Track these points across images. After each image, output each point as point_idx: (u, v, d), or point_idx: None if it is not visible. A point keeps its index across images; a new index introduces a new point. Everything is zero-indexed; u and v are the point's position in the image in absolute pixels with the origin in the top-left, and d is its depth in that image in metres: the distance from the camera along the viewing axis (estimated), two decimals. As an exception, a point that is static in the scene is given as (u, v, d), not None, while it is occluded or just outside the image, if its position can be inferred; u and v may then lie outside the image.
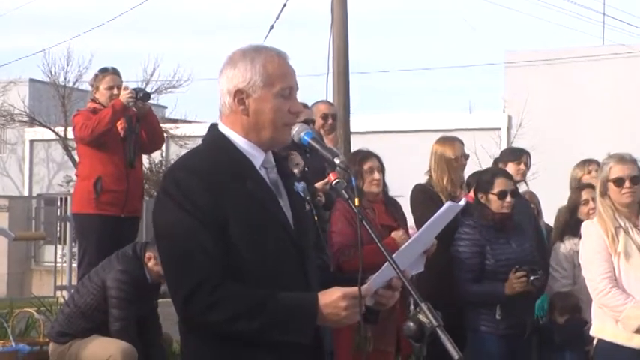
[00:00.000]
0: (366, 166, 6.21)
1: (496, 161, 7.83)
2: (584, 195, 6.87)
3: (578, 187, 7.16)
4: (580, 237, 6.50)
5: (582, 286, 6.47)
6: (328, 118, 7.61)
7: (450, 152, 6.78)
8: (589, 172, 7.45)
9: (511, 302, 6.17)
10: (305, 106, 6.95)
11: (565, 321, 6.53)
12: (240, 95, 3.16)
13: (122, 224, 7.69)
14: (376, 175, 6.22)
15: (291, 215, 3.21)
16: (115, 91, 7.70)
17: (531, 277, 6.15)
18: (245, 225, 3.06)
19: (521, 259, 6.29)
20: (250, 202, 3.09)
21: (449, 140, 6.94)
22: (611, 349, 5.33)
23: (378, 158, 6.32)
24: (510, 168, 7.60)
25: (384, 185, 6.36)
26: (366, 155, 6.30)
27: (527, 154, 7.83)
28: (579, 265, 6.53)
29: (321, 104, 7.91)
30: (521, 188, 7.60)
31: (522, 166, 7.56)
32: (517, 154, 7.79)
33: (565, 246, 6.73)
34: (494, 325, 6.21)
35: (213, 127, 3.24)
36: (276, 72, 3.16)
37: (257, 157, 3.19)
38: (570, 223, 6.82)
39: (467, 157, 6.91)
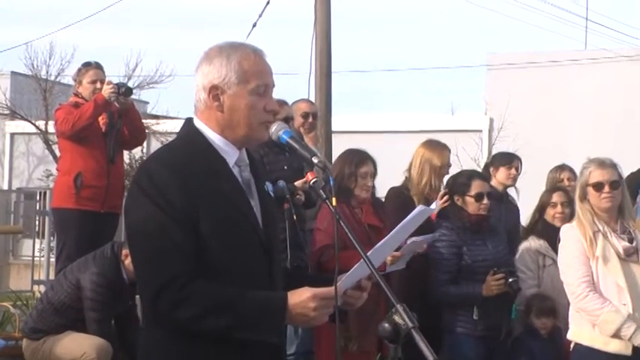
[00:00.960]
0: (362, 170, 6.21)
1: (487, 165, 7.87)
2: (555, 197, 6.92)
3: (549, 189, 7.22)
4: (545, 239, 6.59)
5: (547, 288, 6.54)
6: (308, 117, 7.62)
7: (437, 160, 6.78)
8: (560, 181, 7.52)
9: (488, 304, 6.19)
10: (284, 103, 6.95)
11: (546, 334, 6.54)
12: (215, 91, 3.16)
13: (101, 220, 7.66)
14: (369, 182, 6.24)
15: (261, 216, 3.20)
16: (98, 86, 7.68)
17: (509, 280, 6.18)
18: (215, 223, 3.06)
19: (496, 260, 6.33)
20: (222, 200, 3.09)
21: (439, 147, 6.92)
22: (588, 353, 5.35)
23: (374, 163, 6.32)
24: (502, 172, 7.65)
25: (373, 188, 6.37)
26: (363, 158, 6.28)
27: (519, 159, 7.88)
28: (544, 267, 6.59)
29: (301, 103, 7.92)
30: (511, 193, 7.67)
31: (513, 171, 7.61)
32: (509, 159, 7.81)
33: (530, 246, 6.77)
34: (471, 326, 6.23)
35: (189, 122, 3.24)
36: (251, 69, 3.16)
37: (231, 154, 3.18)
38: (538, 224, 6.87)
39: (449, 166, 6.92)
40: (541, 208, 6.96)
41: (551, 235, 6.27)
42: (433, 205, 3.71)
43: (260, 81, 3.16)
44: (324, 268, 5.94)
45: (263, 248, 3.16)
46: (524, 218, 7.68)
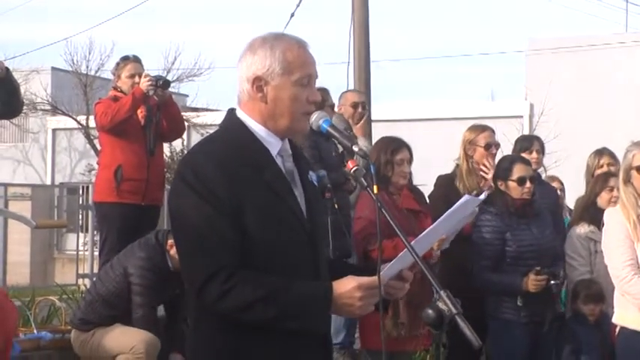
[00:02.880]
0: (397, 157, 6.22)
1: (512, 151, 7.72)
2: (612, 182, 6.80)
3: (604, 174, 7.10)
4: (596, 224, 6.49)
5: (600, 274, 6.45)
6: (358, 107, 7.69)
7: (481, 140, 6.74)
8: (600, 166, 7.37)
9: (531, 293, 6.15)
10: (324, 90, 6.99)
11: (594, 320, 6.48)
12: (258, 82, 3.15)
13: (143, 212, 7.70)
14: (406, 168, 6.24)
15: (305, 205, 3.20)
16: (137, 79, 7.71)
17: (551, 282, 6.14)
18: (259, 213, 3.05)
19: (542, 245, 6.28)
20: (266, 190, 3.09)
21: (480, 128, 6.89)
22: (634, 336, 5.30)
23: (409, 149, 6.33)
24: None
25: (410, 174, 6.37)
26: (398, 145, 6.29)
27: (539, 141, 7.70)
28: (596, 252, 6.51)
29: (349, 93, 8.03)
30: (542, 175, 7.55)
31: (535, 154, 7.33)
32: (529, 143, 7.57)
33: (580, 233, 6.69)
34: (515, 312, 6.20)
35: (231, 113, 3.24)
36: (295, 60, 3.15)
37: (274, 144, 3.18)
38: (589, 210, 6.78)
39: (497, 146, 6.85)
40: (592, 194, 6.88)
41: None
42: (482, 196, 3.68)
43: (304, 72, 3.15)
44: (370, 257, 5.94)
45: (308, 238, 3.16)
46: (570, 201, 7.59)
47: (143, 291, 6.66)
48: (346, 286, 3.02)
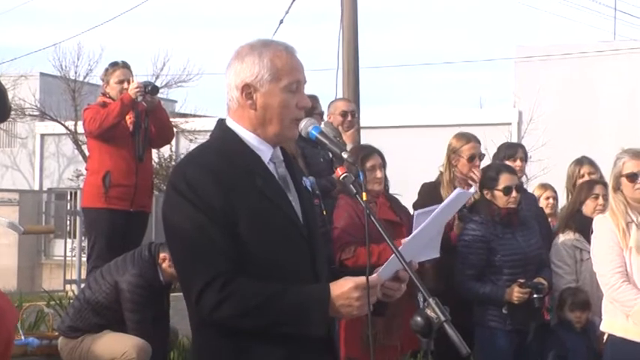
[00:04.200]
0: (368, 164, 6.17)
1: (494, 158, 7.68)
2: (597, 190, 6.81)
3: (589, 181, 7.11)
4: (582, 232, 6.51)
5: (586, 282, 6.47)
6: (347, 115, 7.69)
7: (466, 151, 6.72)
8: (581, 176, 7.37)
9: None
10: (313, 97, 6.99)
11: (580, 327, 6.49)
12: (247, 90, 3.14)
13: (131, 218, 7.69)
14: (378, 174, 6.19)
15: (300, 209, 3.19)
16: (125, 85, 7.70)
17: (534, 296, 6.14)
18: (254, 220, 3.05)
19: (527, 253, 6.29)
20: (259, 197, 3.08)
21: (466, 138, 6.87)
22: (622, 344, 5.31)
23: (380, 155, 6.29)
24: None
25: (386, 180, 6.34)
26: (368, 152, 6.25)
27: (523, 148, 7.69)
28: (582, 261, 6.53)
29: (339, 102, 8.06)
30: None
31: (519, 162, 7.27)
32: (512, 151, 7.48)
33: (565, 241, 6.69)
34: (501, 320, 6.20)
35: (221, 122, 3.23)
36: (284, 66, 3.14)
37: (265, 151, 3.18)
38: (574, 218, 6.79)
39: (482, 157, 6.84)
40: (577, 201, 6.89)
41: (589, 229, 6.20)
42: (472, 189, 3.67)
43: (292, 78, 3.15)
44: (345, 266, 5.91)
45: (305, 242, 3.16)
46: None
47: (136, 307, 6.65)
48: (343, 287, 3.01)
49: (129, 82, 7.71)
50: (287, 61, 3.16)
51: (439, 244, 3.55)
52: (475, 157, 6.73)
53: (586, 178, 7.31)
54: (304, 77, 3.22)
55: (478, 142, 6.86)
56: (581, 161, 7.55)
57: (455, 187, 6.59)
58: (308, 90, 3.33)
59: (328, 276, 3.19)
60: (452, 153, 6.75)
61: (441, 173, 6.80)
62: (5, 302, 2.35)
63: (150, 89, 7.65)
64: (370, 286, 3.00)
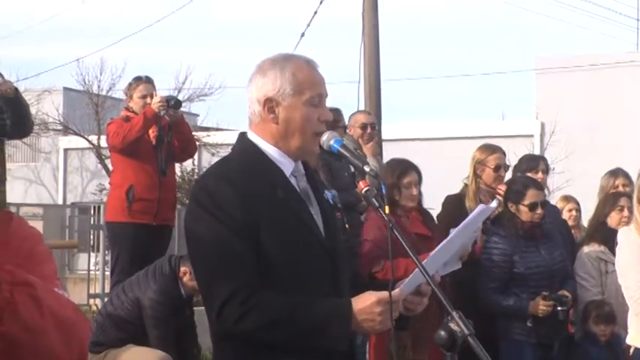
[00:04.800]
0: (405, 180, 6.13)
1: (515, 170, 7.65)
2: (622, 202, 6.78)
3: (613, 194, 7.08)
4: (607, 244, 6.46)
5: (611, 295, 6.42)
6: (367, 128, 7.69)
7: (491, 162, 6.72)
8: (615, 187, 7.33)
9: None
10: (336, 110, 7.02)
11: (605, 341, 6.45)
12: (270, 104, 3.15)
13: (154, 232, 7.70)
14: (414, 191, 6.15)
15: (322, 223, 3.20)
16: (148, 100, 7.72)
17: (558, 308, 6.11)
18: (276, 232, 3.05)
19: (551, 267, 6.26)
20: (282, 210, 3.09)
21: (490, 149, 6.87)
22: (647, 357, 5.26)
23: (418, 171, 6.24)
24: None
25: (420, 195, 6.32)
26: (405, 168, 6.20)
27: (544, 160, 7.67)
28: (607, 273, 6.48)
29: (359, 114, 8.05)
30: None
31: (540, 174, 7.26)
32: (534, 163, 7.47)
33: (590, 253, 6.65)
34: (526, 333, 6.18)
35: (243, 136, 3.25)
36: (305, 80, 3.15)
37: (287, 165, 3.18)
38: (599, 230, 6.75)
39: (506, 168, 6.84)
40: (602, 214, 6.85)
41: (614, 241, 6.16)
42: (494, 204, 3.67)
43: (314, 92, 3.16)
44: (375, 279, 5.91)
45: (327, 255, 3.16)
46: (585, 221, 7.54)
47: (159, 324, 6.65)
48: (366, 301, 3.01)
49: (152, 97, 7.73)
50: (309, 74, 3.17)
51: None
52: (501, 167, 6.74)
53: (620, 189, 7.26)
54: (326, 91, 3.23)
55: (503, 152, 6.87)
56: (616, 173, 7.51)
57: (480, 199, 6.59)
58: (330, 103, 3.34)
59: (350, 290, 3.19)
60: (477, 164, 6.74)
61: (466, 185, 6.79)
62: (75, 314, 2.38)
63: (173, 103, 7.68)
64: (394, 302, 2.99)
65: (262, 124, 3.19)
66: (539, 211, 6.28)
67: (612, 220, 6.78)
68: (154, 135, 7.71)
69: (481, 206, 3.42)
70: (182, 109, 7.97)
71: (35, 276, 2.25)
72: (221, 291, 3.00)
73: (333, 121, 6.79)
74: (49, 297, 2.24)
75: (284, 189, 3.14)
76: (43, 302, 2.21)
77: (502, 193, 6.54)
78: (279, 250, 3.05)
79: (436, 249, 3.26)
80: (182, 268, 6.66)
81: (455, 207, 6.63)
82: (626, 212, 6.72)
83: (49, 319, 2.21)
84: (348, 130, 7.64)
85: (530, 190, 6.35)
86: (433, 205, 6.77)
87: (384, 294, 3.00)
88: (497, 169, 6.70)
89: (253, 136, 3.21)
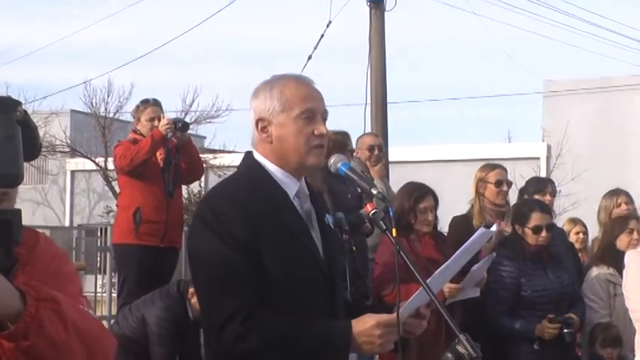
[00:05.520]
0: (421, 205, 6.10)
1: (521, 192, 7.65)
2: (632, 224, 6.77)
3: (623, 216, 7.06)
4: (615, 267, 6.45)
5: (619, 317, 6.40)
6: (374, 150, 7.71)
7: (492, 177, 6.74)
8: (618, 205, 7.33)
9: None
10: (344, 134, 7.06)
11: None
12: (262, 123, 3.19)
13: (161, 254, 7.70)
14: (429, 216, 6.13)
15: (322, 246, 3.21)
16: (156, 123, 7.73)
17: (565, 331, 6.10)
18: (277, 254, 3.07)
19: (558, 290, 6.24)
20: (283, 231, 3.10)
21: (490, 166, 6.90)
22: (655, 381, 5.24)
23: (434, 196, 6.21)
24: None
25: (436, 219, 6.30)
26: (422, 193, 6.16)
27: (552, 183, 7.69)
28: (615, 296, 6.47)
29: (366, 137, 8.08)
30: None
31: (548, 197, 7.27)
32: (542, 185, 7.51)
33: (599, 275, 6.64)
34: (533, 356, 6.16)
35: (249, 155, 3.27)
36: (293, 96, 3.17)
37: (291, 186, 3.20)
38: (608, 252, 6.74)
39: (509, 184, 6.85)
40: (611, 236, 6.84)
41: (623, 263, 6.14)
42: (493, 228, 3.68)
43: (304, 106, 3.16)
44: (384, 302, 5.91)
45: (325, 278, 3.17)
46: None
47: (162, 341, 6.65)
48: (365, 324, 3.02)
49: (159, 120, 7.76)
50: (297, 90, 3.19)
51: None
52: (502, 182, 6.73)
53: (623, 207, 7.25)
54: (320, 106, 3.22)
55: (504, 169, 6.88)
56: (617, 192, 7.51)
57: (485, 218, 6.60)
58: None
59: (346, 312, 3.21)
60: (479, 182, 6.75)
61: (472, 206, 6.80)
62: (101, 330, 2.42)
63: (180, 126, 7.70)
64: (393, 324, 3.01)
65: (260, 145, 3.22)
66: (543, 234, 6.27)
67: (621, 242, 6.77)
68: (162, 157, 7.72)
69: (481, 229, 3.44)
70: (189, 131, 7.99)
71: (61, 294, 2.28)
72: (222, 310, 3.02)
73: (341, 145, 6.82)
74: (73, 313, 2.28)
75: (287, 210, 3.15)
76: (68, 318, 2.24)
77: (507, 230, 6.51)
78: (278, 271, 3.06)
79: (437, 270, 3.27)
80: (191, 290, 6.66)
81: (462, 228, 6.63)
82: (635, 235, 6.71)
83: (74, 334, 2.24)
84: (355, 153, 7.66)
85: (534, 213, 6.34)
86: (440, 227, 6.77)
87: (384, 316, 3.02)
88: (498, 184, 6.71)
89: (258, 156, 3.23)
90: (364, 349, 3.06)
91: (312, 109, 3.18)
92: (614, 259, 6.56)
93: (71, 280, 2.50)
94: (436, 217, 6.26)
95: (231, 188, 3.22)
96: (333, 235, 3.36)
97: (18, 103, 2.37)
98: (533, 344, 6.14)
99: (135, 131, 7.93)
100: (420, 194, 6.15)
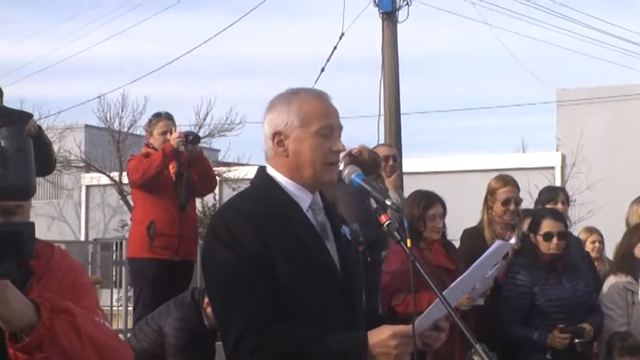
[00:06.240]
0: (430, 212, 6.12)
1: (536, 203, 7.60)
2: None
3: (636, 225, 7.03)
4: (633, 275, 6.41)
5: (637, 326, 6.36)
6: (389, 160, 7.70)
7: (501, 194, 6.64)
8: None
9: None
10: (368, 149, 7.05)
11: None
12: (279, 137, 3.18)
13: (176, 268, 7.70)
14: (438, 223, 6.14)
15: (338, 258, 3.20)
16: (168, 137, 7.73)
17: (575, 340, 6.06)
18: (291, 267, 3.06)
19: (573, 299, 6.21)
20: (296, 244, 3.10)
21: (502, 180, 6.82)
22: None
23: (443, 203, 6.23)
24: None
25: (444, 227, 6.30)
26: (431, 200, 6.19)
27: (564, 191, 7.63)
28: (633, 304, 6.43)
29: (381, 147, 8.07)
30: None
31: (560, 206, 7.22)
32: (553, 194, 7.46)
33: (617, 284, 6.61)
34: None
35: (262, 170, 3.27)
36: (312, 111, 3.17)
37: (304, 198, 3.20)
38: (626, 260, 6.70)
39: (517, 202, 6.73)
40: (630, 244, 6.80)
41: None
42: (512, 240, 3.65)
43: (322, 122, 3.17)
44: (395, 312, 5.89)
45: (342, 290, 3.16)
46: (608, 253, 7.49)
47: (178, 353, 6.66)
48: (381, 335, 3.01)
49: (171, 133, 7.77)
50: (316, 106, 3.19)
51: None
52: (510, 200, 6.61)
53: None
54: (337, 122, 3.23)
55: (516, 186, 6.74)
56: None
57: (494, 230, 6.55)
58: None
59: (367, 324, 3.18)
60: (489, 194, 6.70)
61: (482, 218, 6.76)
62: (116, 341, 2.42)
63: (191, 139, 7.69)
64: (409, 335, 2.99)
65: (275, 159, 3.21)
66: (554, 241, 6.24)
67: (639, 250, 6.73)
68: (174, 171, 7.72)
69: (498, 242, 3.42)
70: (203, 144, 8.00)
71: (77, 306, 2.28)
72: (236, 324, 3.02)
73: (374, 165, 6.75)
74: (88, 325, 2.28)
75: (300, 223, 3.15)
76: (83, 329, 2.24)
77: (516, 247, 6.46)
78: (293, 284, 3.06)
79: (454, 283, 3.26)
80: (206, 300, 6.66)
81: (473, 239, 6.60)
82: None
83: (89, 346, 2.25)
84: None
85: (545, 220, 6.32)
86: (454, 237, 6.76)
87: (400, 327, 3.01)
88: (506, 202, 6.58)
89: (271, 170, 3.23)
90: None
91: (330, 125, 3.19)
92: (633, 267, 6.54)
93: (87, 292, 2.50)
94: (444, 226, 6.25)
95: (243, 202, 3.23)
96: (349, 247, 3.35)
97: (29, 116, 2.38)
98: (545, 354, 6.11)
99: (147, 145, 7.94)
100: (428, 202, 6.17)
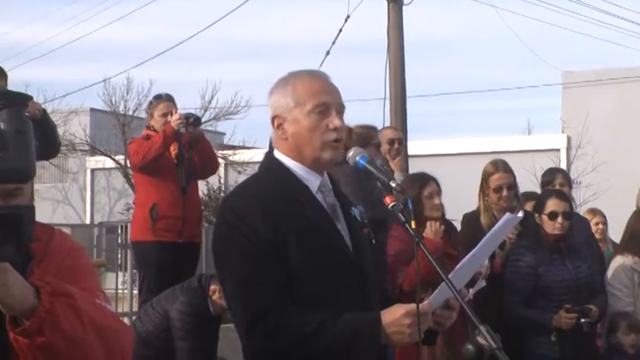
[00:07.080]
0: (425, 192, 6.11)
1: (541, 185, 7.54)
2: None
3: None
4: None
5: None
6: (394, 143, 7.69)
7: (494, 181, 6.57)
8: None
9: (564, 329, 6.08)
10: (373, 128, 7.04)
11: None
12: (278, 121, 3.19)
13: (180, 250, 7.68)
14: (436, 200, 6.13)
15: (350, 238, 3.19)
16: (169, 118, 7.70)
17: (582, 320, 6.05)
18: (303, 249, 3.05)
19: (577, 280, 6.20)
20: (307, 226, 3.09)
21: (495, 164, 6.73)
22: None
23: (436, 181, 6.23)
24: None
25: (442, 207, 6.28)
26: (425, 180, 6.18)
27: (562, 172, 7.58)
28: (639, 284, 6.44)
29: (386, 130, 8.08)
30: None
31: (558, 187, 7.08)
32: (550, 176, 7.37)
33: (624, 264, 6.61)
34: (549, 347, 6.12)
35: (269, 154, 3.26)
36: (305, 91, 3.16)
37: (313, 181, 3.19)
38: (632, 240, 6.70)
39: (511, 186, 6.60)
40: (636, 224, 6.80)
41: None
42: (520, 213, 3.64)
43: (316, 101, 3.15)
44: (404, 289, 5.89)
45: (355, 271, 3.15)
46: (612, 234, 7.49)
47: (185, 335, 6.68)
48: (395, 314, 3.00)
49: (172, 115, 7.73)
50: (309, 85, 3.18)
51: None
52: (502, 187, 6.52)
53: None
54: (335, 99, 3.20)
55: (508, 171, 6.64)
56: None
57: (491, 216, 6.51)
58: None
59: (380, 304, 3.17)
60: (484, 181, 6.65)
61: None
62: (117, 323, 2.42)
63: (192, 121, 7.66)
64: (421, 314, 2.99)
65: (278, 142, 3.22)
66: (559, 220, 6.22)
67: None
68: (175, 153, 7.69)
69: (507, 215, 3.39)
70: (208, 127, 7.99)
71: (77, 289, 2.27)
72: (250, 309, 3.02)
73: (365, 138, 6.78)
74: (89, 307, 2.27)
75: (310, 205, 3.14)
76: (83, 312, 2.24)
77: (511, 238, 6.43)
78: (306, 267, 3.05)
79: (461, 262, 3.24)
80: (212, 287, 6.68)
81: (471, 223, 6.58)
82: None
83: (90, 328, 2.24)
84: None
85: (550, 200, 6.31)
86: (459, 219, 6.74)
87: (413, 306, 2.99)
88: (497, 190, 6.53)
89: (279, 155, 3.22)
90: (394, 340, 3.02)
91: (326, 102, 3.16)
92: (638, 248, 6.54)
93: (87, 274, 2.49)
94: (442, 206, 6.21)
95: (251, 187, 3.22)
96: (360, 228, 3.33)
97: (28, 98, 2.37)
98: (550, 335, 6.11)
99: (148, 127, 7.91)
100: (422, 182, 6.17)
